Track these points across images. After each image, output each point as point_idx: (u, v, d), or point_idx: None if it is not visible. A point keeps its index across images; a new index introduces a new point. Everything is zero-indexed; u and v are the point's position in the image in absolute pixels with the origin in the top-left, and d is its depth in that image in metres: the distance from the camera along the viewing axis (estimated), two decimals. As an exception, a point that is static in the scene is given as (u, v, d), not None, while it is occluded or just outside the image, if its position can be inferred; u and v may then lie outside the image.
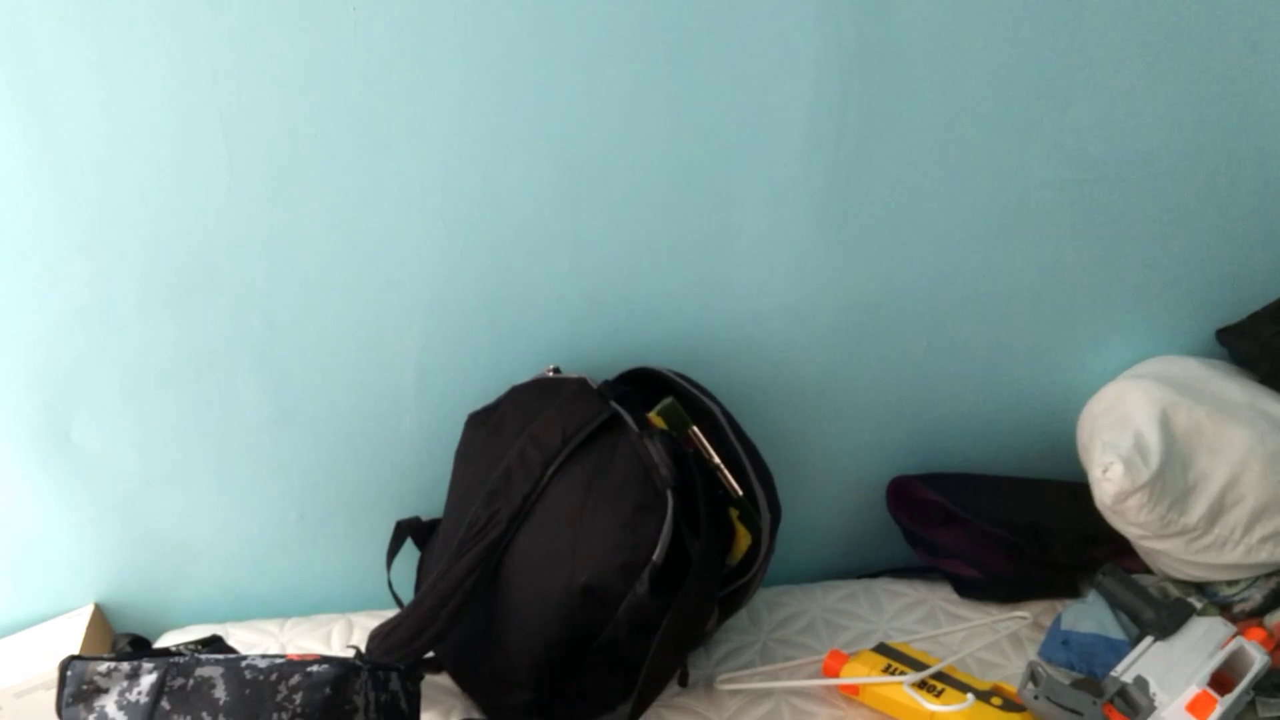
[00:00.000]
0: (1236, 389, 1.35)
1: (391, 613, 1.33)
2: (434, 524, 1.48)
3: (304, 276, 1.34)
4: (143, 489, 1.47)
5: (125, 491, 1.47)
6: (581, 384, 1.35)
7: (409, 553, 1.49)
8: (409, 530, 1.49)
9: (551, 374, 1.40)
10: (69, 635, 1.48)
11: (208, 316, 1.36)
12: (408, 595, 1.45)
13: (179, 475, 1.47)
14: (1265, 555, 1.29)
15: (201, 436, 1.44)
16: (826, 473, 1.55)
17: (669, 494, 1.25)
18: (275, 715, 1.04)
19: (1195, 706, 1.18)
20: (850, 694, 1.33)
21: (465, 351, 1.41)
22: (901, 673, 1.29)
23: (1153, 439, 1.29)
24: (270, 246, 1.32)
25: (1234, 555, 1.29)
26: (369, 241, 1.33)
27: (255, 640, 1.48)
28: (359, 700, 1.10)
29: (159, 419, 1.43)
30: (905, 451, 1.54)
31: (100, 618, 1.55)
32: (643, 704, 1.24)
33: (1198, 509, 1.28)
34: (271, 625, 1.51)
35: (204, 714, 1.05)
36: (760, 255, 1.37)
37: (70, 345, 1.36)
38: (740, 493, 1.32)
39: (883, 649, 1.36)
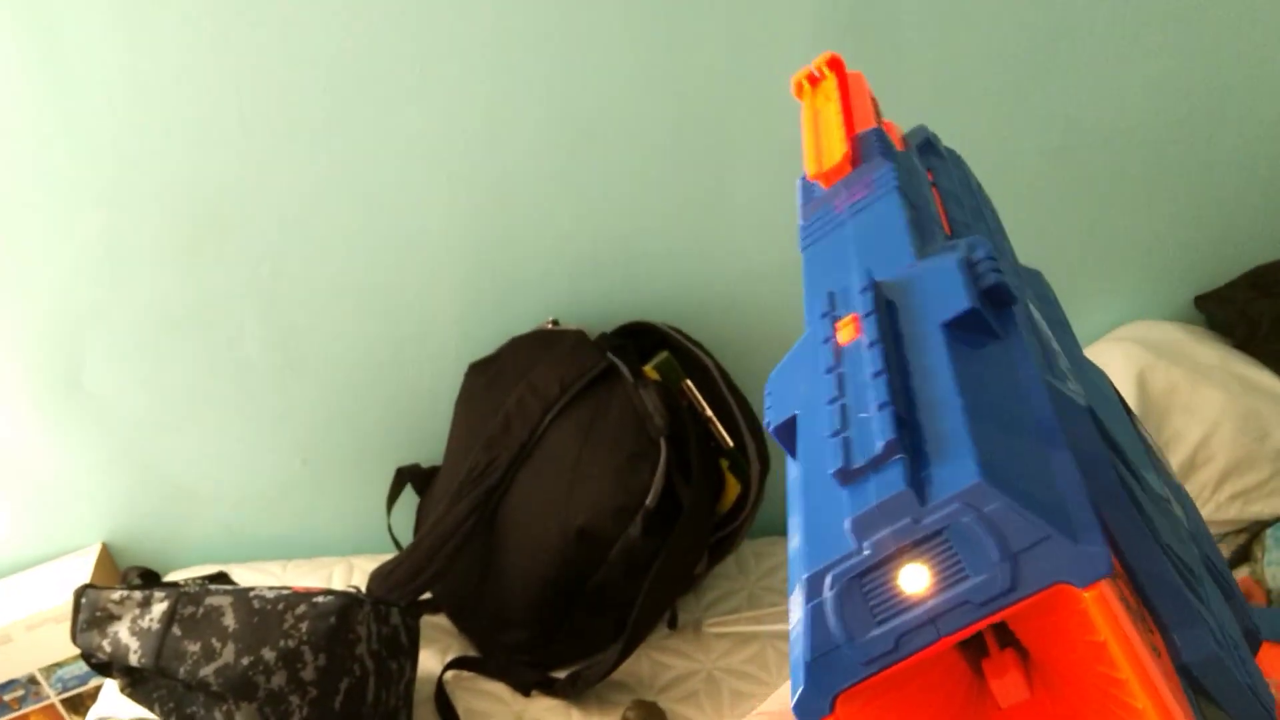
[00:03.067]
0: (1212, 353, 1.40)
1: (391, 556, 1.38)
2: (434, 471, 1.52)
3: (311, 228, 1.38)
4: (152, 433, 1.51)
5: (134, 436, 1.51)
6: (580, 336, 1.39)
7: (409, 499, 1.53)
8: (409, 476, 1.53)
9: (551, 326, 1.44)
10: (78, 573, 1.53)
11: (217, 266, 1.40)
12: (407, 540, 1.50)
13: (187, 421, 1.51)
14: (1234, 512, 1.34)
15: (209, 383, 1.48)
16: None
17: (663, 442, 1.29)
18: (282, 642, 1.09)
19: (1161, 651, 1.23)
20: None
21: (467, 303, 1.45)
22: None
23: (1129, 399, 1.34)
24: (279, 198, 1.35)
25: (1204, 512, 1.34)
26: (376, 195, 1.36)
27: (258, 580, 1.52)
28: (362, 631, 1.15)
29: (169, 366, 1.46)
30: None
31: (108, 557, 1.59)
32: (633, 644, 1.29)
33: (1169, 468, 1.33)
34: (274, 566, 1.55)
35: (214, 640, 1.10)
36: (756, 217, 1.41)
37: (83, 293, 1.40)
38: (731, 444, 1.36)
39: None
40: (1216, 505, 1.34)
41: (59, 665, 1.49)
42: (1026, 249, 1.45)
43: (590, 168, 1.36)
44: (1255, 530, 1.36)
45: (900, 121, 1.26)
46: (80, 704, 1.52)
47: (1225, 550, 1.37)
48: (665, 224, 1.41)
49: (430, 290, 1.43)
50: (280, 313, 1.44)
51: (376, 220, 1.38)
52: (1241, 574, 1.34)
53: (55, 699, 1.52)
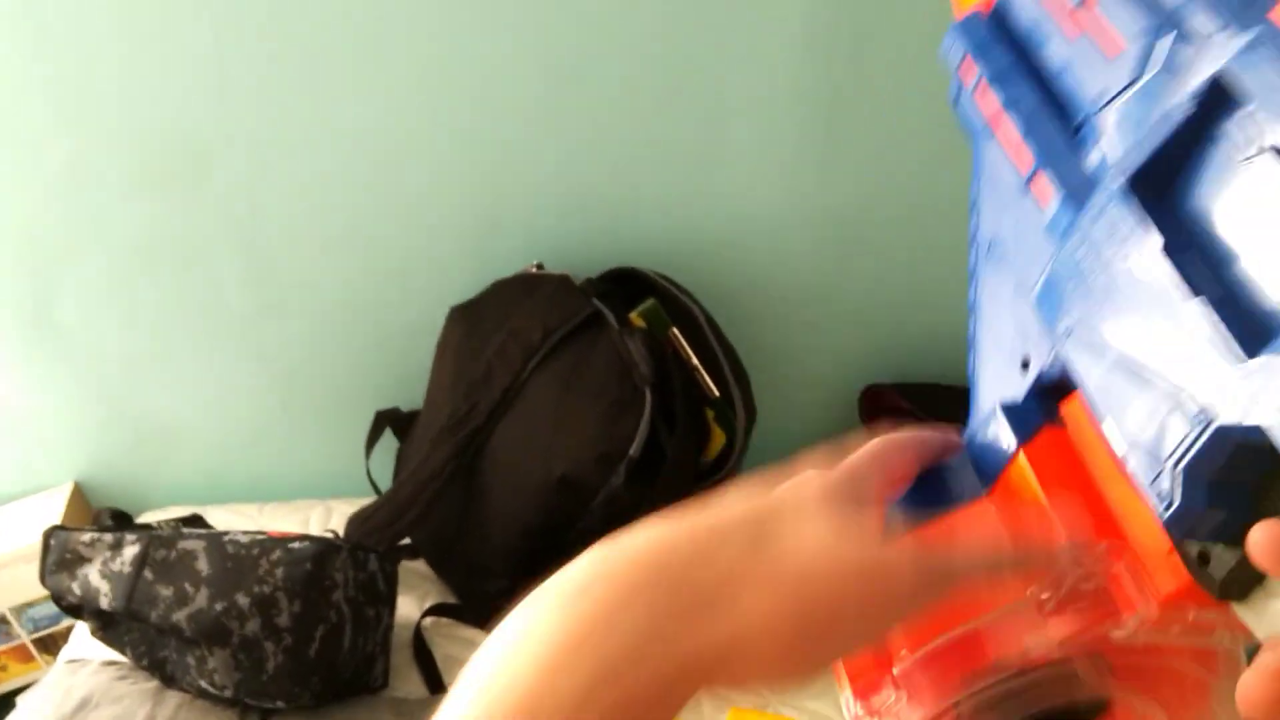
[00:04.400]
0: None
1: (370, 500, 1.35)
2: (414, 415, 1.50)
3: (289, 167, 1.34)
4: (125, 372, 1.48)
5: (108, 374, 1.48)
6: (564, 281, 1.36)
7: (388, 443, 1.51)
8: (389, 420, 1.51)
9: (534, 270, 1.41)
10: (49, 511, 1.50)
11: (192, 203, 1.36)
12: (387, 485, 1.47)
13: (162, 360, 1.48)
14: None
15: (185, 323, 1.45)
16: (802, 378, 1.57)
17: (647, 391, 1.27)
18: (257, 588, 1.07)
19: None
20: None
21: (448, 245, 1.42)
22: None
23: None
24: (256, 135, 1.31)
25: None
26: (355, 134, 1.32)
27: (234, 522, 1.50)
28: (339, 577, 1.13)
29: (143, 304, 1.43)
30: (882, 360, 1.56)
31: (80, 496, 1.56)
32: (614, 593, 1.27)
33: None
34: (250, 508, 1.53)
35: (187, 585, 1.07)
36: (748, 162, 1.37)
37: (54, 227, 1.36)
38: (717, 393, 1.34)
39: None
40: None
41: (30, 605, 1.47)
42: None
43: (577, 105, 1.32)
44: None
45: (900, 67, 1.22)
46: (52, 644, 1.50)
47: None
48: (654, 165, 1.38)
49: (411, 231, 1.40)
50: (257, 252, 1.40)
51: (356, 158, 1.34)
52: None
53: (26, 639, 1.50)
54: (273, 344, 1.47)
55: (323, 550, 1.12)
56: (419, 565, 1.41)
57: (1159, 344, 0.30)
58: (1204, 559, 0.30)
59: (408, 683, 1.24)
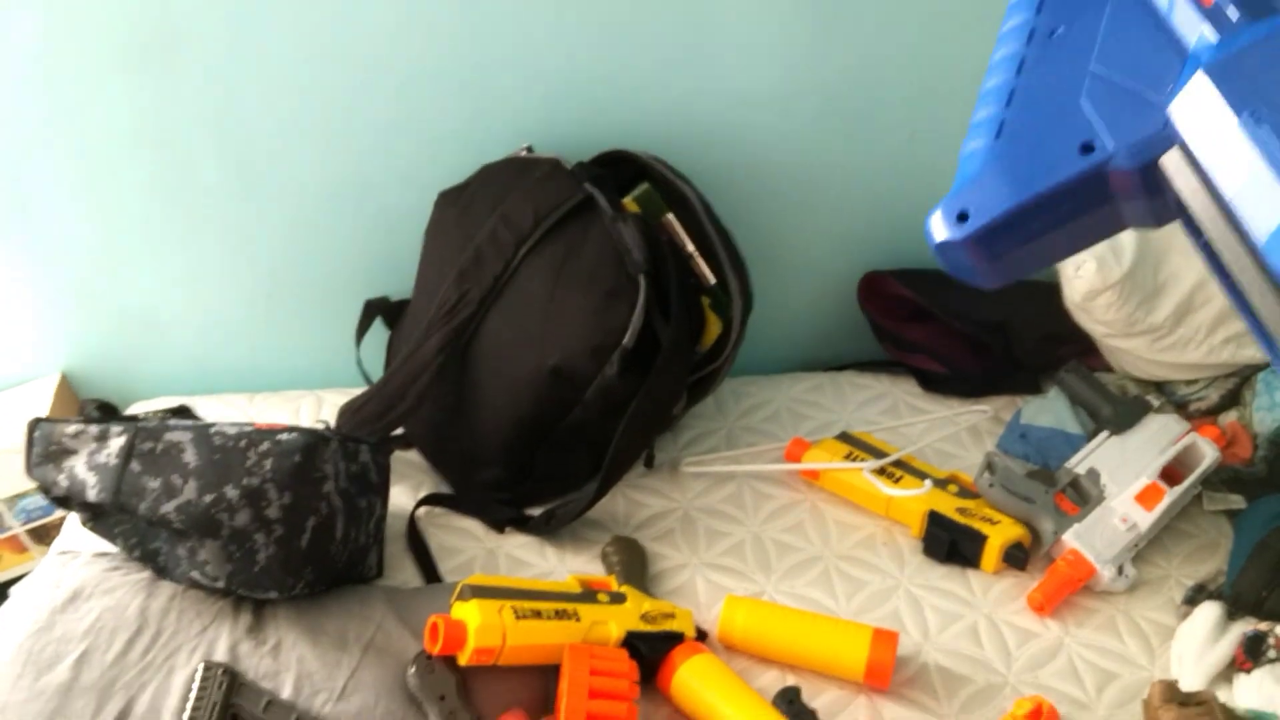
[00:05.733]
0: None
1: (361, 390, 1.34)
2: (403, 304, 1.47)
3: (267, 46, 1.28)
4: (107, 261, 1.44)
5: (89, 263, 1.45)
6: (555, 165, 1.32)
7: (378, 332, 1.48)
8: (378, 309, 1.48)
9: (524, 153, 1.36)
10: (36, 403, 1.48)
11: (166, 83, 1.30)
12: (378, 375, 1.45)
13: (143, 248, 1.44)
14: (1226, 356, 1.31)
15: (164, 209, 1.41)
16: (800, 264, 1.54)
17: (641, 279, 1.24)
18: (245, 480, 1.05)
19: (1144, 496, 1.22)
20: (811, 479, 1.36)
21: (435, 128, 1.37)
22: (862, 460, 1.32)
23: (1127, 238, 1.29)
24: (233, 12, 1.25)
25: (1196, 355, 1.31)
26: (336, 11, 1.26)
27: (224, 413, 1.48)
28: (328, 469, 1.12)
29: (121, 190, 1.38)
30: (880, 246, 1.53)
31: (67, 387, 1.54)
32: (608, 483, 1.26)
33: (1165, 308, 1.29)
34: (240, 399, 1.51)
35: (174, 477, 1.06)
36: (744, 38, 1.32)
37: (25, 112, 1.31)
38: (713, 280, 1.31)
39: (845, 438, 1.39)
40: (1209, 349, 1.31)
41: (21, 496, 1.46)
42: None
43: (568, -21, 1.26)
44: (1246, 374, 1.34)
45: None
46: (46, 535, 1.50)
47: (1214, 395, 1.34)
48: (648, 43, 1.32)
49: (397, 112, 1.35)
50: (236, 135, 1.35)
51: (337, 39, 1.28)
52: (1230, 418, 1.32)
53: (19, 529, 1.50)
54: (255, 231, 1.44)
55: (311, 442, 1.10)
56: (412, 456, 1.40)
57: None
58: None
59: (403, 572, 1.24)
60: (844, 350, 1.62)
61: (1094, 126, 0.37)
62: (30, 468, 1.11)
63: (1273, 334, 0.32)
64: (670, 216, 1.32)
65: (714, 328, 1.33)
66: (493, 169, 1.35)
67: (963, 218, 0.39)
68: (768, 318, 1.42)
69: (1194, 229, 0.36)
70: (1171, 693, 0.93)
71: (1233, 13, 0.34)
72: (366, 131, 1.36)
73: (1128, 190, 0.36)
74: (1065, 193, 0.37)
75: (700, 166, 1.37)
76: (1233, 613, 1.12)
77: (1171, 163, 0.35)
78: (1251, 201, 0.31)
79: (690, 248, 1.31)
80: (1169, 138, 0.35)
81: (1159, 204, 0.38)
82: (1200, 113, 0.34)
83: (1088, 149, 0.37)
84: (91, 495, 1.08)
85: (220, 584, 1.07)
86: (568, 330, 1.25)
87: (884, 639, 1.09)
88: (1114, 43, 0.37)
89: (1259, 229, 0.31)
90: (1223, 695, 1.02)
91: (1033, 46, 0.41)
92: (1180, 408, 1.36)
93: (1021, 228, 0.37)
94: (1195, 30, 0.35)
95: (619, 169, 1.35)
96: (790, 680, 1.11)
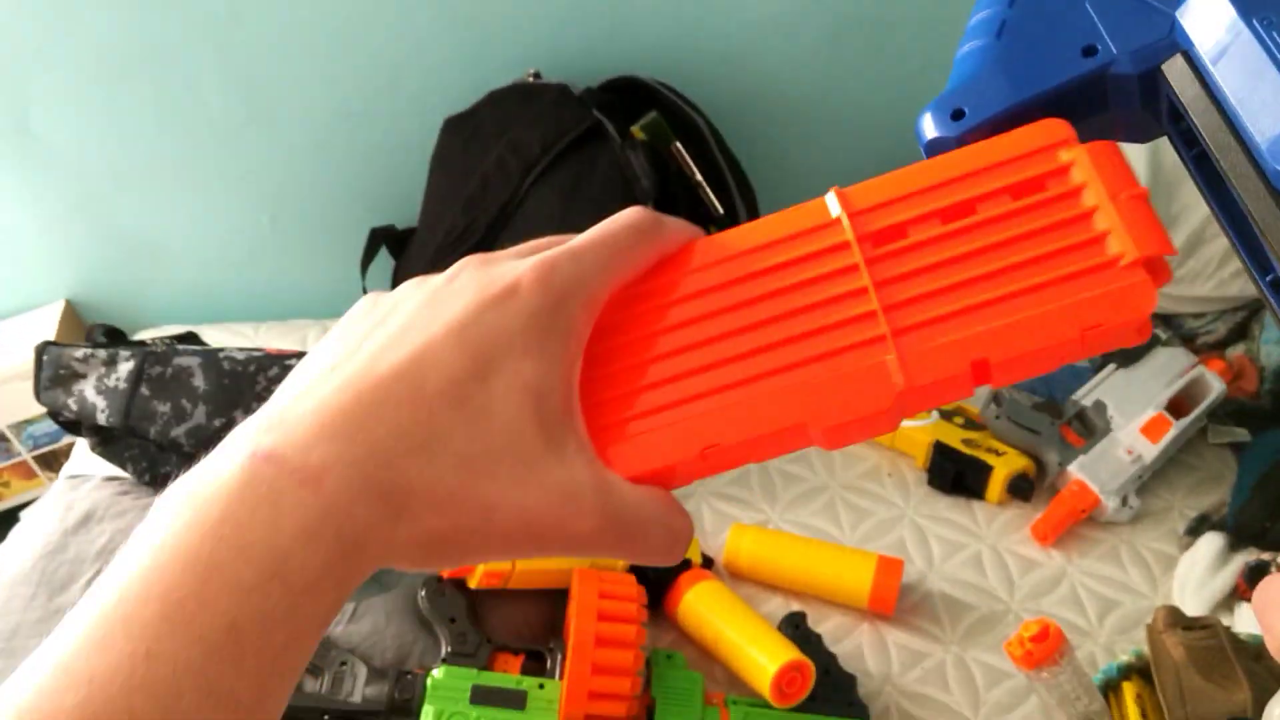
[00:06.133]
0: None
1: (367, 319, 1.33)
2: (409, 232, 1.46)
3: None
4: (110, 185, 1.43)
5: (92, 187, 1.44)
6: (563, 91, 1.31)
7: (384, 262, 1.47)
8: (383, 238, 1.47)
9: (532, 79, 1.35)
10: (41, 329, 1.48)
11: (170, 4, 1.28)
12: (383, 303, 1.45)
13: (146, 173, 1.43)
14: (1235, 290, 1.31)
15: (168, 133, 1.39)
16: (809, 194, 1.53)
17: (650, 207, 1.23)
18: (255, 405, 1.05)
19: (1150, 429, 1.22)
20: (817, 410, 1.36)
21: (441, 52, 1.35)
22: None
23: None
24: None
25: (1205, 288, 1.31)
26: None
27: (230, 341, 1.48)
28: (338, 395, 1.12)
29: (122, 113, 1.37)
30: (890, 176, 1.52)
31: (72, 314, 1.54)
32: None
33: (1175, 241, 1.29)
34: (246, 328, 1.51)
35: (184, 401, 1.06)
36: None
37: (23, 30, 1.29)
38: (721, 210, 1.30)
39: (851, 370, 1.39)
40: (1219, 282, 1.31)
41: (29, 422, 1.47)
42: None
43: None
44: (1254, 308, 1.34)
45: None
46: (54, 461, 1.51)
47: (1222, 328, 1.34)
48: (658, -33, 1.30)
49: (402, 37, 1.33)
50: (240, 59, 1.34)
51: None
52: (1237, 351, 1.32)
53: (27, 455, 1.50)
54: (260, 157, 1.42)
55: (320, 367, 1.10)
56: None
57: None
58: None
59: (410, 499, 1.25)
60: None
61: (1098, 30, 0.37)
62: (39, 391, 1.11)
63: (1268, 242, 0.32)
64: (678, 145, 1.31)
65: (722, 258, 1.32)
66: (499, 95, 1.33)
67: (957, 115, 0.38)
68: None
69: (1186, 141, 0.36)
70: (1176, 617, 0.94)
71: None
72: (371, 57, 1.35)
73: (1125, 97, 0.36)
74: (1064, 94, 0.37)
75: (709, 93, 1.35)
76: (1235, 543, 1.13)
77: (1174, 69, 0.35)
78: (1256, 105, 0.32)
79: (698, 177, 1.30)
80: (1174, 44, 0.35)
81: (1150, 116, 0.39)
82: (1209, 18, 0.34)
83: (1090, 52, 0.37)
84: (101, 419, 1.08)
85: (231, 508, 1.08)
86: (576, 259, 1.24)
87: (888, 566, 1.10)
88: None
89: (1264, 131, 0.32)
90: (1224, 624, 1.03)
91: None
92: (1188, 341, 1.36)
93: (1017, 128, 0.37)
94: None
95: (627, 96, 1.33)
96: (795, 607, 1.12)
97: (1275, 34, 0.32)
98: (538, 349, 0.33)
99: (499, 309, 0.33)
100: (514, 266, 0.34)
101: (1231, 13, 0.33)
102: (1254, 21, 0.33)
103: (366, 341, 0.33)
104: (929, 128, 0.39)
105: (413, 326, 0.33)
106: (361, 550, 0.30)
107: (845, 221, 0.35)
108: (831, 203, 0.36)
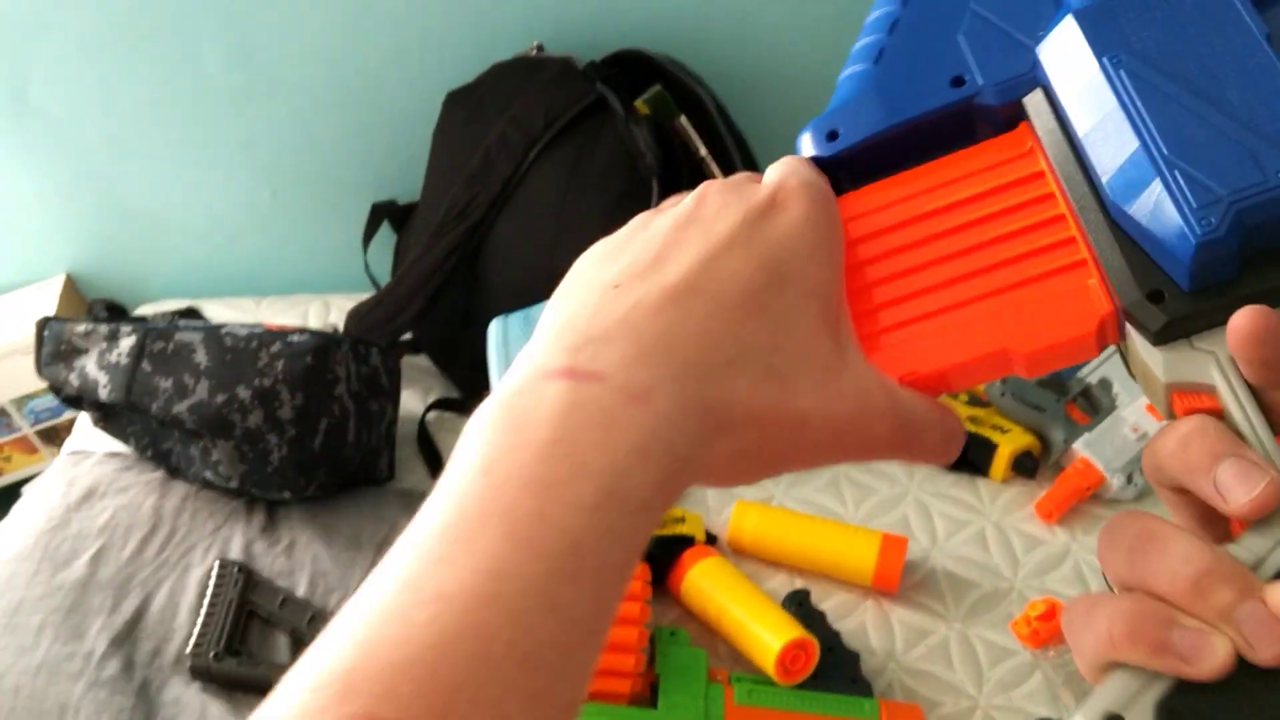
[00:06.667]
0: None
1: (369, 295, 1.33)
2: (411, 207, 1.45)
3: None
4: (109, 158, 1.42)
5: (91, 161, 1.43)
6: (566, 64, 1.29)
7: (386, 236, 1.47)
8: (385, 212, 1.46)
9: (535, 52, 1.33)
10: (42, 303, 1.47)
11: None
12: (385, 279, 1.44)
13: (146, 145, 1.42)
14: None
15: (167, 105, 1.38)
16: (813, 171, 1.52)
17: (654, 183, 1.22)
18: (257, 381, 1.05)
19: (1155, 407, 1.22)
20: (821, 387, 1.36)
21: (444, 24, 1.34)
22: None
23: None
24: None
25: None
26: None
27: (231, 316, 1.47)
28: (340, 371, 1.11)
29: (123, 84, 1.36)
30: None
31: (73, 288, 1.53)
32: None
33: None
34: (248, 302, 1.50)
35: (186, 377, 1.06)
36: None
37: (21, 1, 1.27)
38: (726, 186, 1.29)
39: (856, 346, 1.38)
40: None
41: (30, 397, 1.47)
42: None
43: None
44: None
45: None
46: (55, 436, 1.51)
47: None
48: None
49: (404, 10, 1.32)
50: (241, 31, 1.32)
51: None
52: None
53: (29, 430, 1.50)
54: (260, 130, 1.41)
55: (323, 344, 1.10)
56: (421, 360, 1.40)
57: (1240, 88, 0.31)
58: (1156, 297, 0.31)
59: (413, 475, 1.25)
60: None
61: (967, 62, 0.39)
62: (40, 366, 1.11)
63: (1108, 273, 0.33)
64: (683, 119, 1.29)
65: (726, 233, 1.31)
66: (502, 68, 1.32)
67: (832, 136, 0.40)
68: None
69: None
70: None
71: None
72: (374, 29, 1.33)
73: (991, 127, 0.38)
74: (933, 122, 0.39)
75: (714, 67, 1.34)
76: (1239, 522, 1.13)
77: (1033, 103, 0.37)
78: (1100, 141, 0.34)
79: (703, 152, 1.29)
80: (1035, 79, 0.37)
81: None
82: (1065, 55, 0.35)
83: (958, 82, 0.39)
84: (103, 394, 1.08)
85: (234, 484, 1.08)
86: (579, 234, 1.23)
87: (892, 543, 1.10)
88: None
89: (1104, 168, 0.33)
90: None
91: None
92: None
93: (887, 151, 0.39)
94: None
95: (631, 70, 1.32)
96: (799, 584, 1.12)
97: (1123, 72, 0.33)
98: (819, 254, 0.34)
99: (773, 220, 0.34)
100: (761, 185, 0.36)
101: (1085, 50, 0.35)
102: (1104, 59, 0.34)
103: (647, 261, 0.34)
104: (805, 147, 0.41)
105: (689, 242, 0.34)
106: (686, 466, 0.30)
107: (1040, 152, 0.36)
108: (1023, 135, 0.37)
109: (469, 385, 1.36)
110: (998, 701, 1.03)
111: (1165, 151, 0.32)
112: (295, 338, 1.09)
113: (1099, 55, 0.34)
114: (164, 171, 1.44)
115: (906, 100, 0.39)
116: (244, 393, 1.04)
